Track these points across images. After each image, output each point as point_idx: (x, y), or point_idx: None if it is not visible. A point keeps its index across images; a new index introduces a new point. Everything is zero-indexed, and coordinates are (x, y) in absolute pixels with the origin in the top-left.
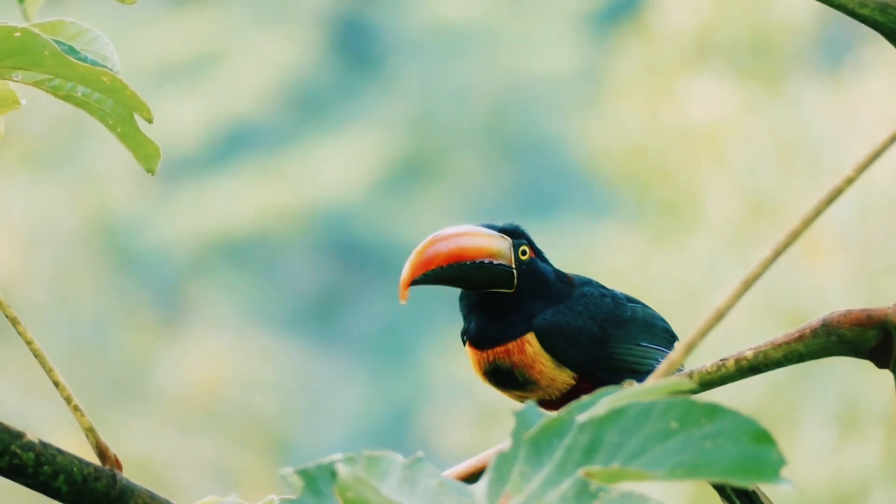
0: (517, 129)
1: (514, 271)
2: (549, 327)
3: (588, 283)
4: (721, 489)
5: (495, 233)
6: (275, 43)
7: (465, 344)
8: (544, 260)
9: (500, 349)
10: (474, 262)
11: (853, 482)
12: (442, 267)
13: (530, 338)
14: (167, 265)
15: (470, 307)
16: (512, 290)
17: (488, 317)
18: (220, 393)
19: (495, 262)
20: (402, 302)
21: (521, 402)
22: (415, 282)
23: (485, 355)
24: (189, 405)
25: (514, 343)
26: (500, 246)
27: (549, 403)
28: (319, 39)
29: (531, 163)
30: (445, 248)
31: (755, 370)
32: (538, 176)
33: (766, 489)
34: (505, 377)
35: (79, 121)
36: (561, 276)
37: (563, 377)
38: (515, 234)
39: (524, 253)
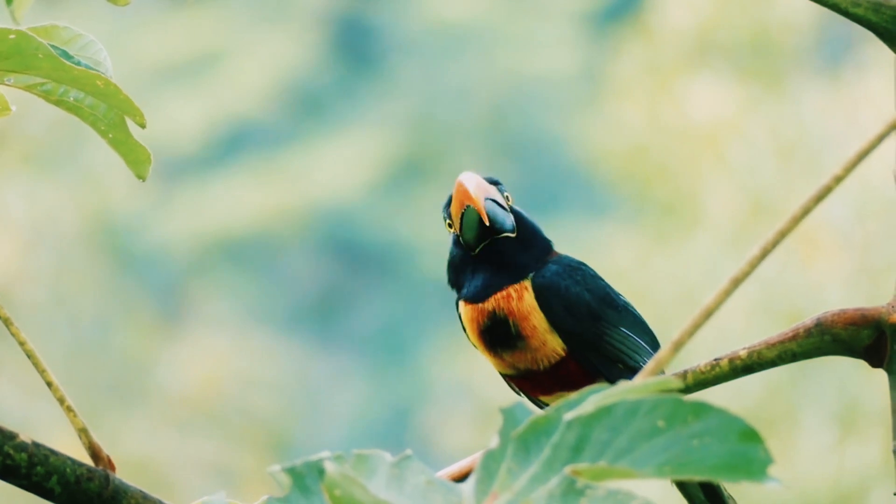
0: (517, 129)
1: (511, 214)
2: (547, 285)
3: (582, 263)
4: (682, 486)
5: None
6: (275, 43)
7: (458, 308)
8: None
9: (501, 294)
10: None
11: (853, 482)
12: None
13: (528, 285)
14: (167, 265)
15: (470, 265)
16: (514, 234)
17: (495, 266)
18: (220, 393)
19: (498, 201)
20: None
21: (510, 371)
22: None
23: (483, 308)
24: (189, 405)
25: (515, 288)
26: (493, 189)
27: (536, 375)
28: (319, 39)
29: (531, 163)
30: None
31: (749, 370)
32: (538, 176)
33: (761, 489)
34: (499, 330)
35: (78, 122)
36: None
37: (554, 344)
38: (495, 183)
39: (508, 199)
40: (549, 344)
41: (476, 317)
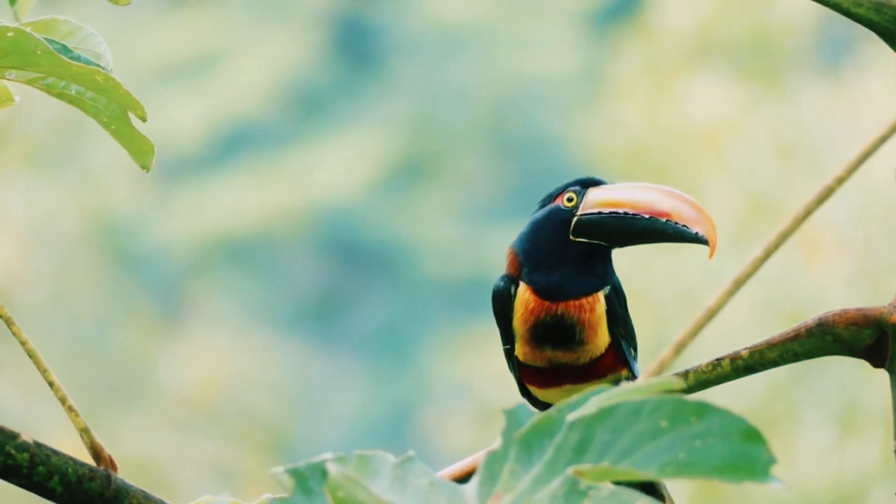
0: (517, 129)
1: None
2: (617, 294)
3: None
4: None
5: None
6: (275, 43)
7: (512, 289)
8: None
9: (573, 303)
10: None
11: (853, 482)
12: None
13: (601, 296)
14: (167, 265)
15: (557, 246)
16: (610, 246)
17: (581, 265)
18: (220, 393)
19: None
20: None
21: (543, 363)
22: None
23: (551, 308)
24: (189, 405)
25: (588, 300)
26: None
27: (574, 369)
28: (319, 39)
29: (531, 163)
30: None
31: (750, 369)
32: (538, 176)
33: (761, 488)
34: (560, 332)
35: (78, 121)
36: None
37: (603, 343)
38: (598, 183)
39: None
40: (601, 344)
41: (538, 310)
